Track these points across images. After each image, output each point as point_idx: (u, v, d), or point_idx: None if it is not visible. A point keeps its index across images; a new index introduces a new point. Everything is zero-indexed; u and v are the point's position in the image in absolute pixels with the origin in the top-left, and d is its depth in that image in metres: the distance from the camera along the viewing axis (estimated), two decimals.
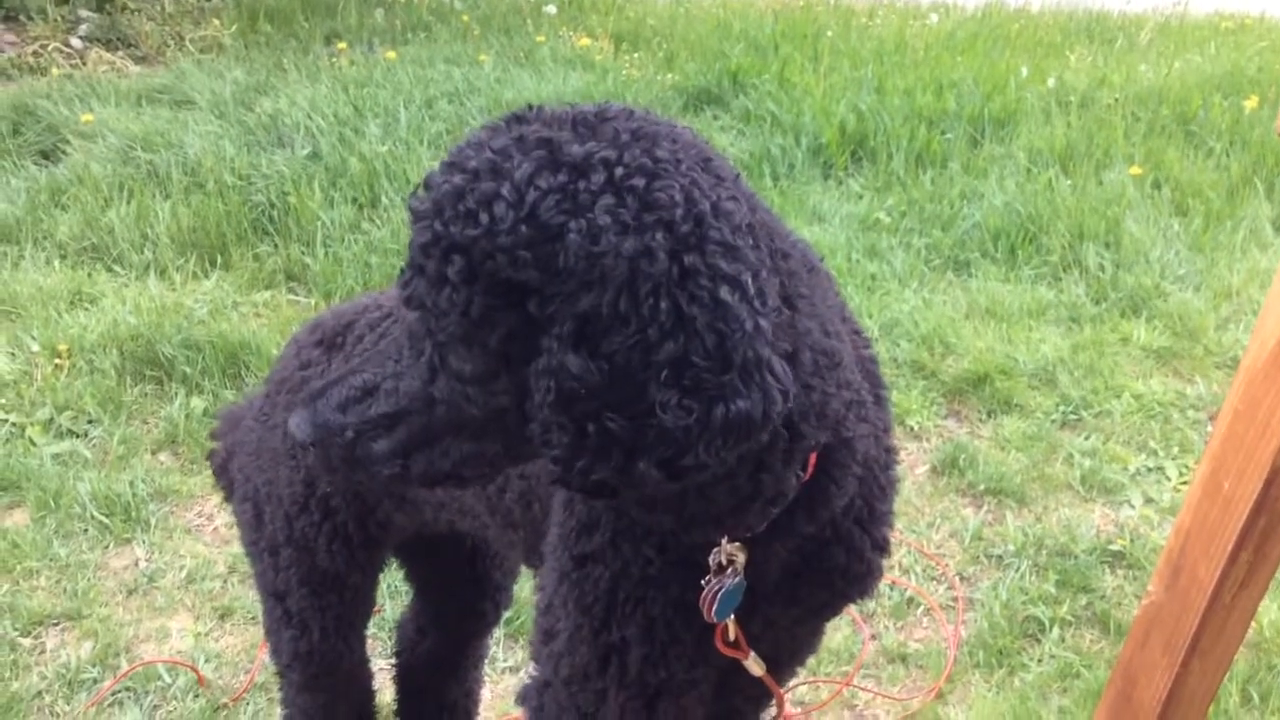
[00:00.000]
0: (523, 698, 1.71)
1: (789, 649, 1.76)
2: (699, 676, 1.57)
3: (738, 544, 1.41)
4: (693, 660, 1.53)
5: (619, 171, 1.13)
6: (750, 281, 1.13)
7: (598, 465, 1.14)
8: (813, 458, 1.36)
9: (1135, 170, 5.89)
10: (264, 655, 2.92)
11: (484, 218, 1.12)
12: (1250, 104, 6.60)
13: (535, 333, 1.14)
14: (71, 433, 3.86)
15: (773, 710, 1.91)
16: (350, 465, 1.32)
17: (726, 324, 1.09)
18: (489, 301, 1.13)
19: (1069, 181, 5.80)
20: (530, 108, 1.24)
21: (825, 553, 1.52)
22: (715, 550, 1.41)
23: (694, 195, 1.14)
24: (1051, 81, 7.08)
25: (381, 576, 3.15)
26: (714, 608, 1.43)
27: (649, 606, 1.47)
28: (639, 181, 1.12)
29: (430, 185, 1.19)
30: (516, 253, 1.11)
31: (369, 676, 2.40)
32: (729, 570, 1.42)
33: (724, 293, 1.10)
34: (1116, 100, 6.78)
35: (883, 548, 1.59)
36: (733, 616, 1.48)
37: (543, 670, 1.61)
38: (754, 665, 1.56)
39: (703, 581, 1.43)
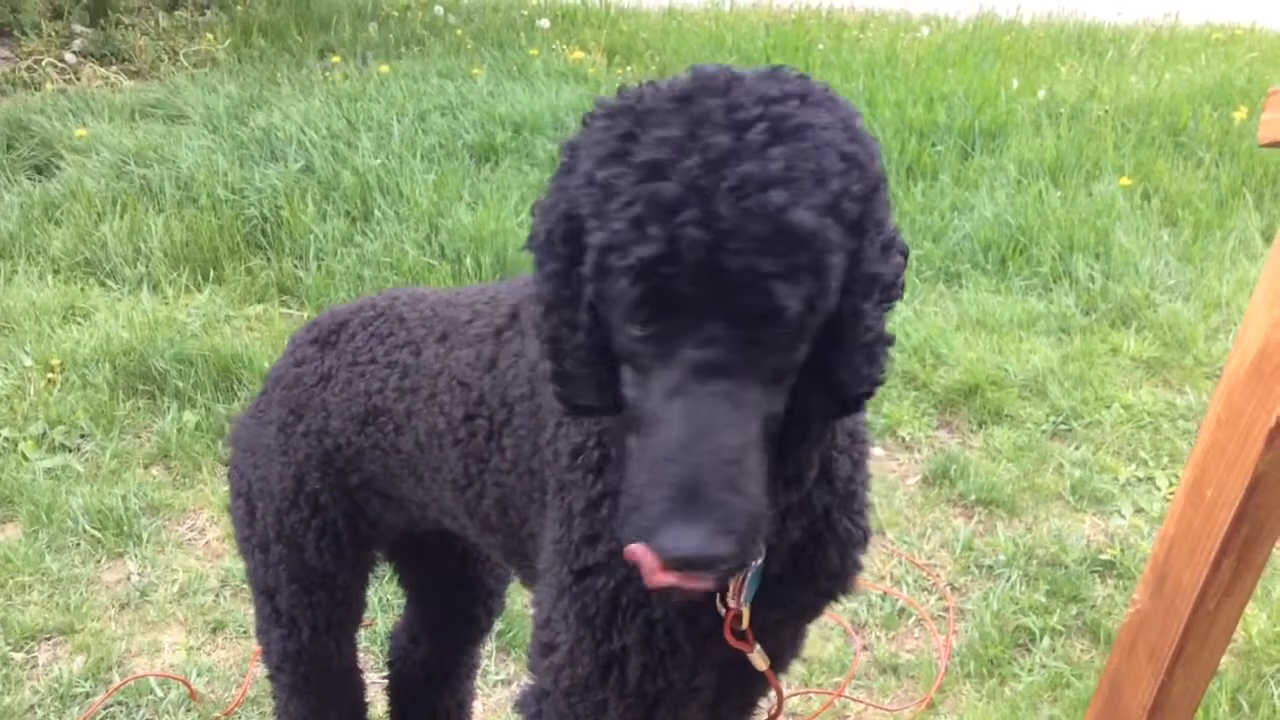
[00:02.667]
0: (520, 705, 1.72)
1: (774, 653, 1.77)
2: (698, 685, 1.59)
3: None
4: (692, 669, 1.55)
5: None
6: None
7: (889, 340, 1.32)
8: None
9: (1125, 181, 5.92)
10: (256, 669, 2.92)
11: (859, 168, 1.23)
12: (1240, 115, 6.63)
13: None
14: (64, 447, 3.87)
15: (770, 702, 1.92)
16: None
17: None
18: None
19: (1059, 193, 5.83)
20: (700, 70, 1.28)
21: (815, 550, 1.56)
22: None
23: None
24: (1042, 93, 7.11)
25: (373, 590, 3.18)
26: (744, 590, 1.47)
27: (651, 611, 1.49)
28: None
29: (764, 159, 1.17)
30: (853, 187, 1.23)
31: (361, 686, 2.40)
32: None
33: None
34: (1106, 112, 6.81)
35: (864, 541, 1.64)
36: (748, 606, 1.51)
37: (542, 681, 1.63)
38: (759, 659, 1.58)
39: None
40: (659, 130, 1.17)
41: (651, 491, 1.17)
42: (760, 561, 1.46)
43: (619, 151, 1.18)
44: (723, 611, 1.50)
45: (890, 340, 1.32)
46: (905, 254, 1.32)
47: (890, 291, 1.29)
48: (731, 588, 1.47)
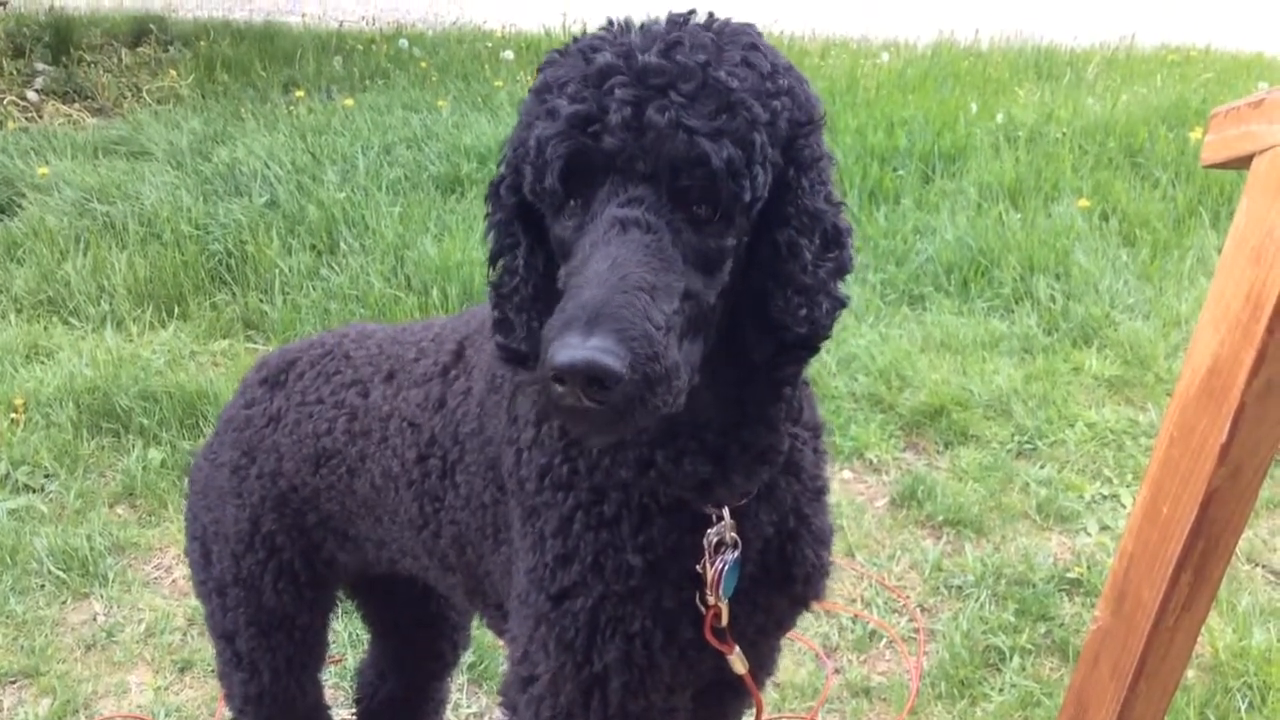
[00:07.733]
0: None
1: (752, 668, 1.78)
2: (675, 705, 1.60)
3: (728, 522, 1.48)
4: (669, 687, 1.55)
5: None
6: None
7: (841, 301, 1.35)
8: None
9: (1083, 203, 6.00)
10: (224, 708, 2.89)
11: (790, 92, 1.30)
12: (1195, 135, 6.74)
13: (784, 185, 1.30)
14: (28, 488, 3.82)
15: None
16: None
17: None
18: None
19: (1019, 215, 5.90)
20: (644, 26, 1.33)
21: (791, 547, 1.59)
22: (710, 532, 1.47)
23: None
24: (1000, 117, 7.20)
25: (342, 625, 3.15)
26: (721, 585, 1.48)
27: (628, 624, 1.49)
28: None
29: (727, 82, 1.22)
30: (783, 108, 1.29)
31: None
32: (729, 547, 1.49)
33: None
34: (1064, 134, 6.90)
35: (831, 536, 1.67)
36: (726, 601, 1.52)
37: (521, 715, 1.62)
38: (738, 663, 1.59)
39: (698, 567, 1.48)
40: (600, 32, 1.31)
41: (561, 316, 1.17)
42: (736, 555, 1.48)
43: (556, 59, 1.30)
44: (703, 609, 1.51)
45: (843, 302, 1.35)
46: (850, 232, 1.37)
47: (836, 249, 1.34)
48: (709, 582, 1.48)
